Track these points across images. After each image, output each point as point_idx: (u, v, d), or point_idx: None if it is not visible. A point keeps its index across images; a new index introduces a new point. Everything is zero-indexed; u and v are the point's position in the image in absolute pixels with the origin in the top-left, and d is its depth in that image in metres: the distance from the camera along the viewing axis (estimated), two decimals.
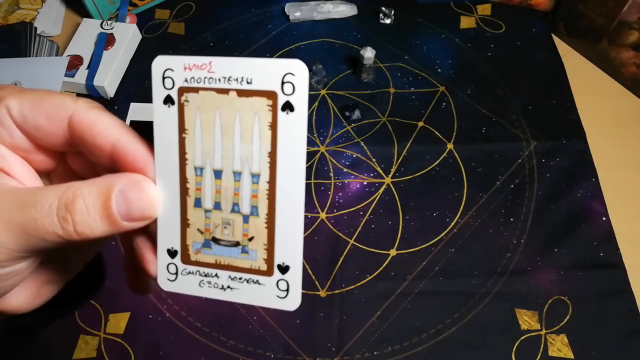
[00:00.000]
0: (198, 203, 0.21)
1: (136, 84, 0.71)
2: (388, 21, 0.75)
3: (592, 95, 0.67)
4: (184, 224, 0.22)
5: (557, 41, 0.73)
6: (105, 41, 0.71)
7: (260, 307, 0.54)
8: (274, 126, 0.20)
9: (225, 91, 0.20)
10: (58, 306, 0.25)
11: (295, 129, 0.20)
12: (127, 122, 0.67)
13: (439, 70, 0.71)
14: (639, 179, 0.61)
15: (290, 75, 0.19)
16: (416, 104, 0.68)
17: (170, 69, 0.21)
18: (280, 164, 0.20)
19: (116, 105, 0.69)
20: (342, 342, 0.52)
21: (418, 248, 0.57)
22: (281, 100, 0.20)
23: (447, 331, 0.52)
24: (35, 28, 0.75)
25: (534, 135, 0.64)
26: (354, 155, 0.64)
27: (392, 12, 0.75)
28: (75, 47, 0.71)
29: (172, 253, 0.22)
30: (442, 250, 0.57)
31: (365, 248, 0.57)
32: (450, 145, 0.64)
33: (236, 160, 0.21)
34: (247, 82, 0.20)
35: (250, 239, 0.22)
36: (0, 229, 0.19)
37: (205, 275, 0.22)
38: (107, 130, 0.21)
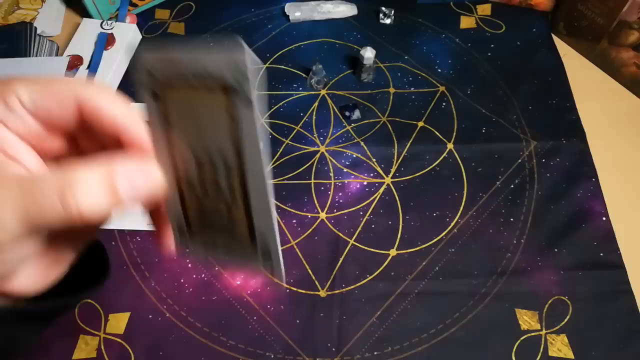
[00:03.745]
0: (189, 182, 0.24)
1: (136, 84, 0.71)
2: (388, 21, 0.75)
3: (592, 95, 0.67)
4: (182, 199, 0.24)
5: (557, 41, 0.73)
6: (105, 41, 0.71)
7: (260, 308, 0.54)
8: (233, 115, 0.21)
9: (194, 87, 0.21)
10: (64, 295, 0.26)
11: (252, 119, 0.21)
12: None
13: (439, 70, 0.71)
14: (639, 179, 0.61)
15: (239, 60, 0.20)
16: (416, 104, 0.68)
17: (152, 65, 0.22)
18: (246, 151, 0.22)
19: None
20: (342, 342, 0.52)
21: (418, 248, 0.57)
22: (234, 88, 0.21)
23: (447, 331, 0.52)
24: (35, 28, 0.75)
25: (534, 135, 0.64)
26: (354, 155, 0.64)
27: (392, 12, 0.75)
28: (75, 47, 0.71)
29: (182, 232, 0.25)
30: (442, 250, 0.57)
31: (365, 248, 0.57)
32: (450, 145, 0.64)
33: (212, 144, 0.22)
34: (203, 72, 0.21)
35: (232, 217, 0.24)
36: (4, 210, 0.19)
37: (207, 246, 0.26)
38: (114, 112, 0.22)
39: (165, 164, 0.23)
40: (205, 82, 0.21)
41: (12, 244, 0.20)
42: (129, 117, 0.22)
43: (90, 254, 0.27)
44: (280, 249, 0.24)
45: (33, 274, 0.23)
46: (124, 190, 0.20)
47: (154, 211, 0.25)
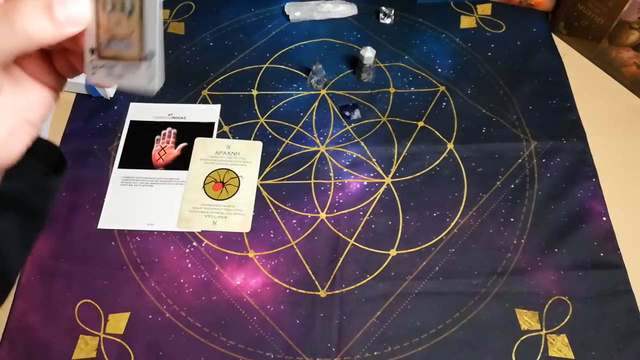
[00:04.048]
0: (104, 6, 0.28)
1: None
2: (388, 21, 0.75)
3: (592, 95, 0.67)
4: (97, 26, 0.29)
5: (557, 41, 0.73)
6: None
7: (260, 308, 0.54)
8: None
9: None
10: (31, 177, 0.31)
11: None
12: (127, 122, 0.67)
13: (439, 70, 0.70)
14: (639, 179, 0.61)
15: None
16: (416, 104, 0.67)
17: None
18: None
19: (116, 105, 0.69)
20: (342, 342, 0.52)
21: (418, 248, 0.57)
22: None
23: (447, 331, 0.52)
24: None
25: (534, 135, 0.64)
26: (354, 155, 0.64)
27: (392, 12, 0.75)
28: None
29: (92, 51, 0.29)
30: (442, 250, 0.57)
31: (365, 248, 0.57)
32: (450, 145, 0.64)
33: None
34: None
35: (130, 33, 0.29)
36: None
37: (108, 69, 0.30)
38: None
39: None
40: None
41: None
42: None
43: (44, 151, 0.32)
44: (162, 59, 0.30)
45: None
46: (59, 14, 0.25)
47: (75, 38, 0.28)
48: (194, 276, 0.56)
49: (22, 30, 0.24)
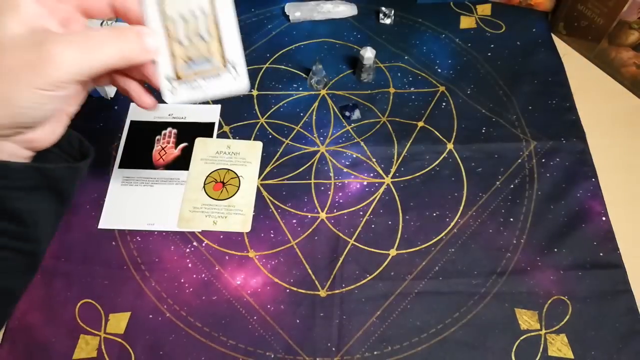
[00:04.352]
0: (178, 41, 0.35)
1: None
2: (388, 21, 0.75)
3: (592, 95, 0.67)
4: (172, 55, 0.35)
5: (557, 41, 0.73)
6: None
7: (260, 307, 0.54)
8: None
9: None
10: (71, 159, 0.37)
11: None
12: (127, 122, 0.67)
13: (439, 70, 0.71)
14: (639, 179, 0.61)
15: None
16: (416, 104, 0.68)
17: None
18: (216, 3, 0.35)
19: (116, 105, 0.69)
20: (342, 342, 0.52)
21: (418, 248, 0.57)
22: None
23: (447, 331, 0.52)
24: None
25: (533, 135, 0.64)
26: (354, 155, 0.64)
27: (392, 12, 0.75)
28: None
29: (169, 79, 0.36)
30: (442, 250, 0.57)
31: (365, 248, 0.57)
32: (450, 145, 0.64)
33: (193, 6, 0.35)
34: None
35: (210, 51, 0.36)
36: (65, 54, 0.29)
37: (191, 85, 0.36)
38: None
39: (158, 30, 0.34)
40: None
41: (66, 86, 0.30)
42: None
43: (64, 139, 0.36)
44: (245, 63, 0.36)
45: (47, 128, 0.33)
46: (148, 43, 0.34)
47: (136, 72, 0.37)
48: (194, 276, 0.56)
49: (120, 50, 0.32)
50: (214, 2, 0.35)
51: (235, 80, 0.37)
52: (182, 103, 0.37)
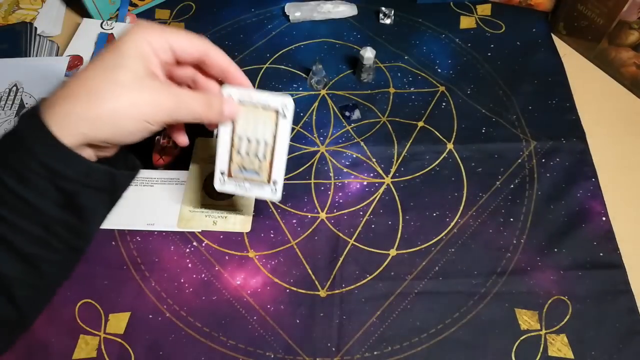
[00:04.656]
0: (238, 152, 0.47)
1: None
2: (388, 21, 0.75)
3: (592, 95, 0.67)
4: (230, 159, 0.48)
5: (557, 41, 0.73)
6: (106, 41, 0.71)
7: (260, 307, 0.54)
8: (276, 124, 0.46)
9: (255, 107, 0.46)
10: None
11: (285, 127, 0.46)
12: None
13: (439, 70, 0.71)
14: (639, 179, 0.61)
15: (286, 101, 0.45)
16: (416, 104, 0.68)
17: (233, 92, 0.45)
18: (277, 140, 0.47)
19: None
20: (342, 342, 0.52)
21: (418, 248, 0.57)
22: (280, 113, 0.46)
23: (447, 331, 0.52)
24: (36, 28, 0.75)
25: (533, 135, 0.64)
26: (354, 155, 0.64)
27: (392, 12, 0.75)
28: (75, 47, 0.71)
29: (222, 173, 0.48)
30: (442, 250, 0.57)
31: (365, 248, 0.57)
32: (450, 145, 0.64)
33: (259, 136, 0.47)
34: (267, 104, 0.45)
35: (261, 169, 0.48)
36: (162, 104, 0.38)
37: (238, 184, 0.49)
38: (222, 60, 0.44)
39: (228, 141, 0.47)
40: (266, 106, 0.45)
41: (160, 123, 0.39)
42: (228, 63, 0.44)
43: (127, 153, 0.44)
44: (283, 182, 0.49)
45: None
46: (225, 109, 0.44)
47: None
48: (194, 276, 0.56)
49: (205, 112, 0.42)
50: (275, 140, 0.46)
51: (273, 193, 0.49)
52: (226, 192, 0.49)
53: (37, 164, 0.36)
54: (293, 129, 0.66)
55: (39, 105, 0.37)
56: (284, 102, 0.45)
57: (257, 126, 0.46)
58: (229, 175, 0.48)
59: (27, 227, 0.37)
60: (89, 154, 0.38)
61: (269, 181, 0.47)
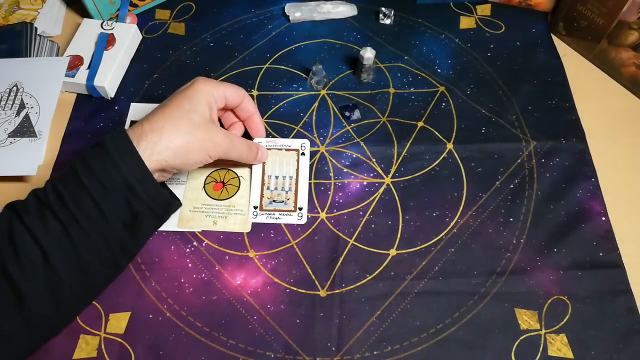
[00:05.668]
0: (268, 188, 0.59)
1: (136, 84, 0.71)
2: (388, 21, 0.75)
3: (592, 95, 0.67)
4: (261, 196, 0.58)
5: (557, 41, 0.73)
6: (106, 41, 0.71)
7: (260, 307, 0.54)
8: (297, 160, 0.60)
9: (280, 150, 0.61)
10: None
11: (305, 162, 0.61)
12: (128, 122, 0.67)
13: (439, 70, 0.71)
14: (639, 179, 0.61)
15: (304, 142, 0.62)
16: (416, 104, 0.68)
17: (262, 141, 0.61)
18: (300, 174, 0.59)
19: (116, 106, 0.69)
20: (342, 342, 0.52)
21: (418, 248, 0.57)
22: (300, 151, 0.61)
23: (447, 331, 0.52)
24: (36, 28, 0.75)
25: (533, 135, 0.64)
26: (354, 155, 0.64)
27: (392, 12, 0.75)
28: (75, 47, 0.72)
29: (255, 207, 0.58)
30: (441, 250, 0.57)
31: (365, 248, 0.57)
32: (450, 145, 0.64)
33: (284, 172, 0.59)
34: (289, 146, 0.61)
35: (288, 199, 0.58)
36: (204, 150, 0.50)
37: (269, 215, 0.58)
38: (251, 108, 0.58)
39: (257, 178, 0.60)
40: (288, 148, 0.61)
41: (215, 158, 0.51)
42: (254, 110, 0.59)
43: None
44: (307, 206, 0.59)
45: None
46: (259, 155, 0.59)
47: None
48: (194, 276, 0.56)
49: (247, 154, 0.56)
50: (297, 175, 0.60)
51: (299, 218, 0.58)
52: (257, 223, 0.58)
53: (121, 179, 0.43)
54: (292, 129, 0.66)
55: (125, 131, 0.46)
56: (303, 143, 0.61)
57: (282, 165, 0.59)
58: (260, 208, 0.58)
59: (92, 234, 0.44)
60: (158, 178, 0.48)
61: (295, 209, 0.57)
